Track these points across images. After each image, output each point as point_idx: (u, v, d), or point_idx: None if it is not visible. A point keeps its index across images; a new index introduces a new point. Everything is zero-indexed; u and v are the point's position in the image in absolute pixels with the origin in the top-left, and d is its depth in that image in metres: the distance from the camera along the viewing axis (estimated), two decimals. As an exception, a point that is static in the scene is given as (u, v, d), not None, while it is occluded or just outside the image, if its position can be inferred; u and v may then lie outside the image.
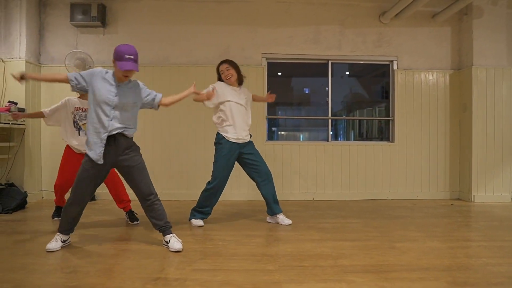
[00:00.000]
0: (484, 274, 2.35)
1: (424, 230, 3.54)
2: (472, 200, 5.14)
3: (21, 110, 4.64)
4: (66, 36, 5.29)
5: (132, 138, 2.99)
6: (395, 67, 5.45)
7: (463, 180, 5.36)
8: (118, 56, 2.76)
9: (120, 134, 2.84)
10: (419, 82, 5.44)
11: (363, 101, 12.45)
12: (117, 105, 2.81)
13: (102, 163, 2.78)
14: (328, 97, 5.49)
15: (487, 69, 5.14)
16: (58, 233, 2.90)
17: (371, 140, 11.32)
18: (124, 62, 2.74)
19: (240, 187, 5.19)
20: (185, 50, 5.32)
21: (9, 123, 4.48)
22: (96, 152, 2.76)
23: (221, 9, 5.30)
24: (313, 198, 5.28)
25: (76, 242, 3.03)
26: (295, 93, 10.17)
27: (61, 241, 2.88)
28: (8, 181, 4.67)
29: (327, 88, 5.52)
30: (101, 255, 2.74)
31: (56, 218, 3.93)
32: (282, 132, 10.09)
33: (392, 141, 5.48)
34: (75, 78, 2.78)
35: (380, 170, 5.40)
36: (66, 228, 2.90)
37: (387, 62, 5.54)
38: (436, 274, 2.35)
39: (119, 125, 2.82)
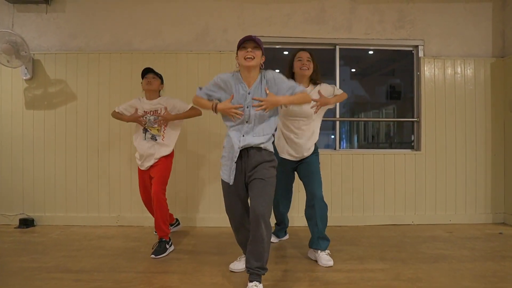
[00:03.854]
0: None
1: (486, 285, 2.33)
2: (524, 225, 3.94)
3: None
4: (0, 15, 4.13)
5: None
6: (420, 54, 4.26)
7: (510, 199, 4.15)
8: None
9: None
10: (452, 74, 4.25)
11: (367, 103, 11.30)
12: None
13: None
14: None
15: (543, 55, 3.96)
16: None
17: (378, 146, 10.21)
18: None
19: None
20: (151, 32, 4.13)
21: None
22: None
23: (198, -20, 4.14)
24: (317, 223, 4.07)
25: None
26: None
27: None
28: None
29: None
30: None
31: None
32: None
33: (418, 149, 4.27)
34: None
35: (402, 187, 4.19)
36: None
37: (411, 48, 4.35)
38: None
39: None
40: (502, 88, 4.23)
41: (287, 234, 3.57)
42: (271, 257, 2.72)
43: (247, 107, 2.26)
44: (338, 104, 4.26)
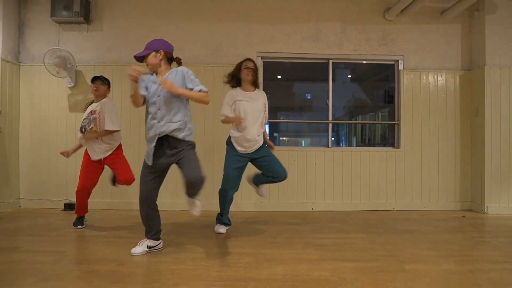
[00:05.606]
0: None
1: (437, 248, 3.12)
2: (485, 211, 4.72)
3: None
4: (48, 33, 4.92)
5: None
6: (400, 67, 5.06)
7: (475, 189, 4.94)
8: None
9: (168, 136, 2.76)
10: (427, 84, 5.05)
11: (365, 106, 12.06)
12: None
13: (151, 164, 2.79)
14: (328, 99, 5.09)
15: (501, 69, 4.74)
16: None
17: (374, 146, 10.96)
18: None
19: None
20: (174, 48, 4.91)
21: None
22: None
23: (213, 5, 4.93)
24: (312, 209, 4.87)
25: (33, 261, 2.62)
26: (296, 98, 9.86)
27: (147, 247, 2.87)
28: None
29: (328, 93, 5.13)
30: (61, 277, 2.33)
31: (79, 227, 3.79)
32: (284, 138, 9.75)
33: (398, 147, 5.07)
34: None
35: (384, 179, 4.99)
36: (148, 232, 2.91)
37: (392, 62, 5.15)
38: (458, 307, 1.94)
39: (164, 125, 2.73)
40: (469, 96, 5.03)
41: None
42: (280, 229, 3.50)
43: (158, 96, 2.69)
44: (331, 107, 5.06)
